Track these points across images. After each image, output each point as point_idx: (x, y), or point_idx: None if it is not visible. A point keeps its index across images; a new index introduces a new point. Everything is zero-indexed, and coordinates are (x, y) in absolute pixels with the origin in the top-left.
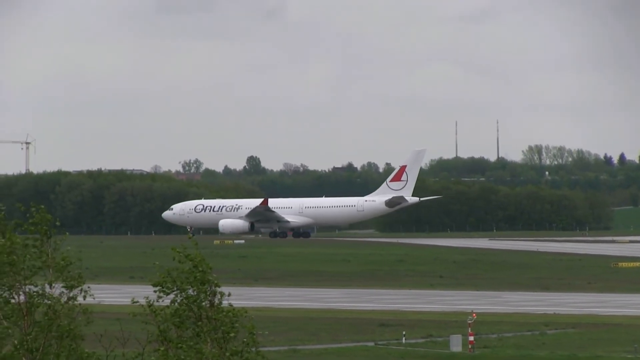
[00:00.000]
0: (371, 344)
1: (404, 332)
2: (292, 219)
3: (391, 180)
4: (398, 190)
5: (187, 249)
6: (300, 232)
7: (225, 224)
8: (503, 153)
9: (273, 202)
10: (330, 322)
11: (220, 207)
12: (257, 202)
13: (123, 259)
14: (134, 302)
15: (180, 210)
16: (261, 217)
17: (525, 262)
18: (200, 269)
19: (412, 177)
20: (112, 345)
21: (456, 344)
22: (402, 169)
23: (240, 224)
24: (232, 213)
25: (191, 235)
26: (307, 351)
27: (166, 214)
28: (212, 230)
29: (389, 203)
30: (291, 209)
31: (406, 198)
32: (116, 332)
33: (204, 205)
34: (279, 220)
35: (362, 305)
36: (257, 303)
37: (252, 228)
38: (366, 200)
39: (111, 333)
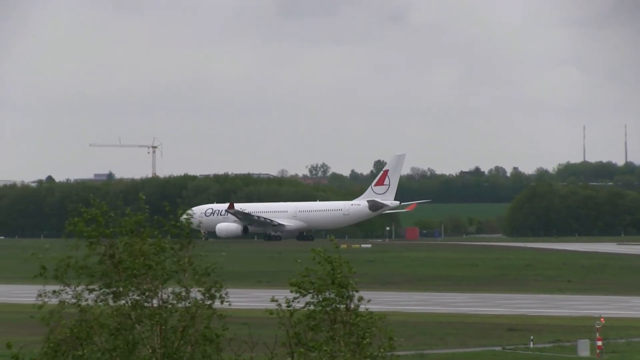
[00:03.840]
0: (499, 348)
1: (531, 337)
2: (287, 222)
3: (375, 185)
4: (381, 194)
5: (328, 252)
6: (304, 235)
7: (220, 227)
8: (631, 157)
9: (270, 206)
10: (458, 327)
11: (226, 210)
12: (261, 206)
13: (250, 263)
14: (272, 300)
15: (197, 212)
16: (253, 220)
17: None
18: (340, 271)
19: (394, 181)
20: (240, 349)
21: (584, 349)
22: (385, 173)
23: (234, 227)
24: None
25: (205, 238)
26: (435, 356)
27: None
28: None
29: (371, 207)
30: (287, 212)
31: (382, 202)
32: (244, 336)
33: (213, 210)
34: (274, 223)
35: (490, 309)
36: (385, 307)
37: (245, 231)
38: (352, 205)
39: (239, 337)
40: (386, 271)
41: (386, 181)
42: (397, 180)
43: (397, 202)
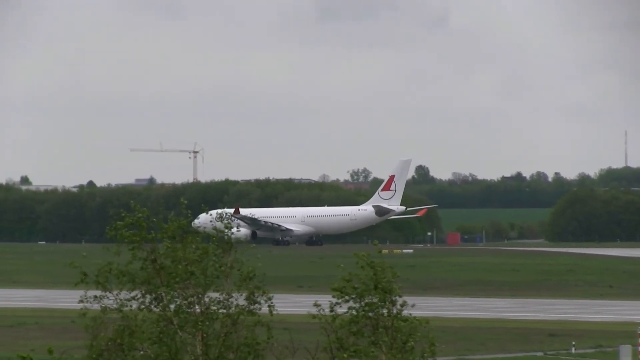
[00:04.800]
0: (540, 354)
1: (573, 342)
2: (296, 227)
3: (382, 190)
4: (388, 199)
5: (371, 256)
6: (314, 240)
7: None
8: None
9: (278, 212)
10: (499, 332)
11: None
12: (270, 211)
13: (291, 268)
14: (315, 305)
15: (204, 218)
16: (260, 225)
17: None
18: (384, 276)
19: (400, 186)
20: (282, 354)
21: (625, 355)
22: (391, 178)
23: (242, 232)
24: (241, 222)
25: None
26: None
27: (194, 223)
28: None
29: (377, 212)
30: (295, 217)
31: (388, 207)
32: (285, 341)
33: (224, 214)
34: (282, 228)
35: (531, 315)
36: (426, 312)
37: (254, 236)
38: (359, 210)
39: (280, 342)
40: (427, 276)
41: (392, 186)
42: (404, 186)
43: (403, 208)
